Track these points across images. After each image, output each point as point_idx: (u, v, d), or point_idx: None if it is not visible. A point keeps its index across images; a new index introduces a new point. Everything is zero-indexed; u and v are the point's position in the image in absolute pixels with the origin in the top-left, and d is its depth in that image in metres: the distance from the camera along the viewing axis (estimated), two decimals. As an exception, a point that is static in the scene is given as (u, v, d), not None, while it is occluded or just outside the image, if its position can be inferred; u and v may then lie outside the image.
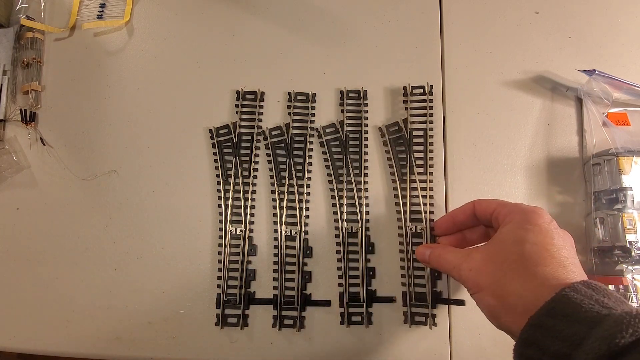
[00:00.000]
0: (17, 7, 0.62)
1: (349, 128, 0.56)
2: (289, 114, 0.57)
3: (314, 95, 0.58)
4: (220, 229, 0.54)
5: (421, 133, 0.55)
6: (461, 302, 0.51)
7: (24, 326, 0.52)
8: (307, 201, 0.55)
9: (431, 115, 0.56)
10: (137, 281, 0.53)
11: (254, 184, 0.55)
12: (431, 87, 0.57)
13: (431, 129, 0.56)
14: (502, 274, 0.34)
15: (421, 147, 0.55)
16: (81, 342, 0.52)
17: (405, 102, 0.57)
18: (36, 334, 0.52)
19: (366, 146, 0.56)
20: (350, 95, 0.58)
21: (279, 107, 0.58)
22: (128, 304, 0.53)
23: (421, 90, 0.57)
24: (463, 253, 0.39)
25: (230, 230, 0.54)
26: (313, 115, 0.57)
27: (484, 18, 0.61)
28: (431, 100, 0.56)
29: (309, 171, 0.55)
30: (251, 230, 0.54)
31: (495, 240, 0.37)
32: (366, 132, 0.56)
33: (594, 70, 0.53)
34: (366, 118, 0.57)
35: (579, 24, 0.61)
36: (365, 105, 0.57)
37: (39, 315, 0.53)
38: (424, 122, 0.56)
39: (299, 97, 0.58)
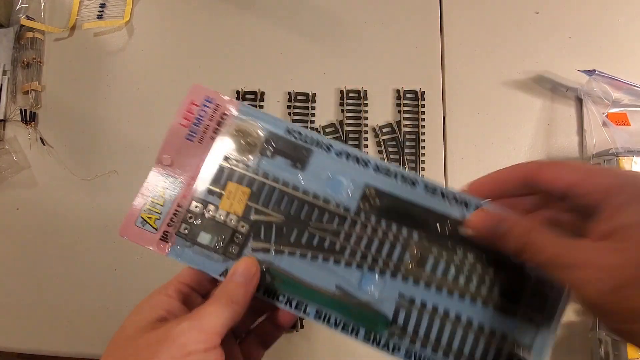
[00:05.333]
0: (17, 7, 0.62)
1: (349, 128, 0.56)
2: (289, 114, 0.57)
3: (314, 95, 0.58)
4: (220, 229, 0.54)
5: (413, 137, 0.56)
6: None
7: (24, 326, 0.52)
8: (307, 201, 0.55)
9: (423, 120, 0.56)
10: (137, 281, 0.53)
11: (254, 184, 0.55)
12: (423, 92, 0.57)
13: (423, 133, 0.56)
14: None
15: (414, 150, 0.56)
16: (81, 342, 0.52)
17: (398, 104, 0.57)
18: (36, 334, 0.52)
19: (366, 146, 0.56)
20: (350, 95, 0.58)
21: (279, 107, 0.58)
22: (128, 304, 0.53)
23: (414, 95, 0.57)
24: (583, 246, 0.23)
25: (230, 230, 0.54)
26: (313, 115, 0.57)
27: (484, 18, 0.61)
28: (423, 106, 0.57)
29: (309, 171, 0.55)
30: (251, 230, 0.54)
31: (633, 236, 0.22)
32: (366, 132, 0.56)
33: (594, 70, 0.53)
34: (366, 118, 0.57)
35: (579, 24, 0.61)
36: (365, 105, 0.57)
37: (39, 315, 0.53)
38: (416, 125, 0.56)
39: (299, 97, 0.58)
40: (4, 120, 0.58)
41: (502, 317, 0.29)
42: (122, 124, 0.58)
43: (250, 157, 0.32)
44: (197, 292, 0.31)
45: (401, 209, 0.31)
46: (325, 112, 0.58)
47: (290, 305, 0.31)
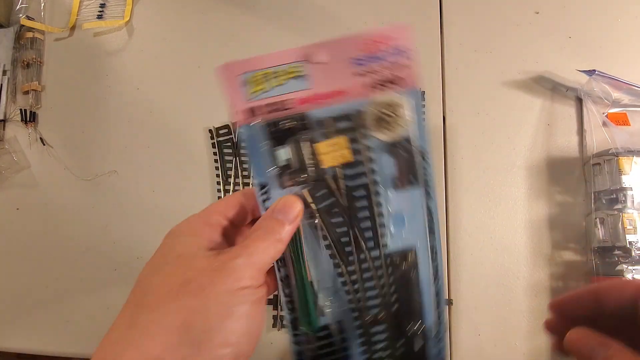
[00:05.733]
0: (17, 7, 0.62)
1: (349, 128, 0.56)
2: (289, 114, 0.57)
3: (314, 95, 0.58)
4: (220, 229, 0.54)
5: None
6: (449, 302, 0.52)
7: (24, 326, 0.52)
8: (307, 201, 0.55)
9: (423, 120, 0.56)
10: (137, 281, 0.53)
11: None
12: (423, 92, 0.57)
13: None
14: None
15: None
16: (81, 342, 0.52)
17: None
18: (36, 334, 0.52)
19: (366, 146, 0.56)
20: (351, 95, 0.58)
21: (279, 107, 0.58)
22: (128, 304, 0.53)
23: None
24: None
25: (230, 230, 0.54)
26: (313, 115, 0.57)
27: (484, 18, 0.61)
28: (423, 106, 0.57)
29: (309, 171, 0.55)
30: (251, 230, 0.54)
31: None
32: (366, 132, 0.57)
33: (594, 70, 0.53)
34: (366, 118, 0.57)
35: (579, 24, 0.61)
36: (365, 105, 0.57)
37: (39, 315, 0.53)
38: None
39: (299, 97, 0.58)
40: (4, 120, 0.58)
41: None
42: (122, 124, 0.58)
43: (376, 135, 0.29)
44: (232, 225, 0.31)
45: (413, 289, 0.31)
46: (325, 112, 0.58)
47: (279, 267, 0.30)
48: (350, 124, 0.29)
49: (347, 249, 0.31)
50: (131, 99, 0.59)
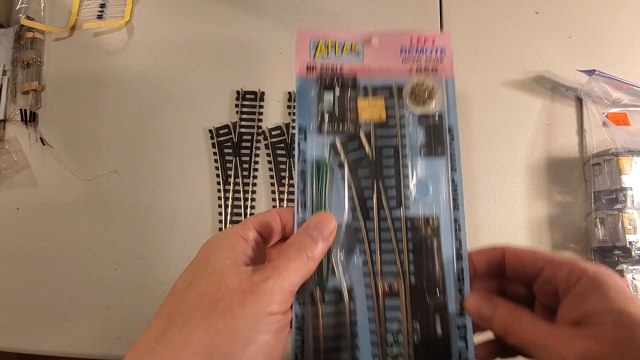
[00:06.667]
0: (17, 7, 0.62)
1: (349, 128, 0.57)
2: (289, 114, 0.57)
3: (314, 95, 0.58)
4: (220, 229, 0.54)
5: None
6: None
7: (24, 326, 0.52)
8: (307, 201, 0.55)
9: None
10: (137, 281, 0.53)
11: (254, 184, 0.55)
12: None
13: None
14: None
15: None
16: (81, 342, 0.52)
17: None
18: (36, 334, 0.52)
19: (366, 146, 0.56)
20: (350, 95, 0.58)
21: (279, 107, 0.58)
22: (128, 304, 0.53)
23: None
24: (558, 332, 0.25)
25: (230, 230, 0.54)
26: (313, 115, 0.57)
27: (484, 18, 0.61)
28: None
29: (309, 171, 0.56)
30: (251, 230, 0.54)
31: (600, 322, 0.24)
32: (366, 132, 0.57)
33: (594, 70, 0.53)
34: (366, 118, 0.57)
35: (579, 24, 0.61)
36: (365, 105, 0.57)
37: (39, 315, 0.53)
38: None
39: (299, 97, 0.58)
40: (4, 120, 0.58)
41: None
42: (122, 124, 0.58)
43: (410, 109, 0.33)
44: (265, 241, 0.31)
45: (433, 260, 0.31)
46: (325, 112, 0.58)
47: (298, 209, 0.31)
48: (389, 94, 0.34)
49: (369, 203, 0.32)
50: (131, 99, 0.59)
